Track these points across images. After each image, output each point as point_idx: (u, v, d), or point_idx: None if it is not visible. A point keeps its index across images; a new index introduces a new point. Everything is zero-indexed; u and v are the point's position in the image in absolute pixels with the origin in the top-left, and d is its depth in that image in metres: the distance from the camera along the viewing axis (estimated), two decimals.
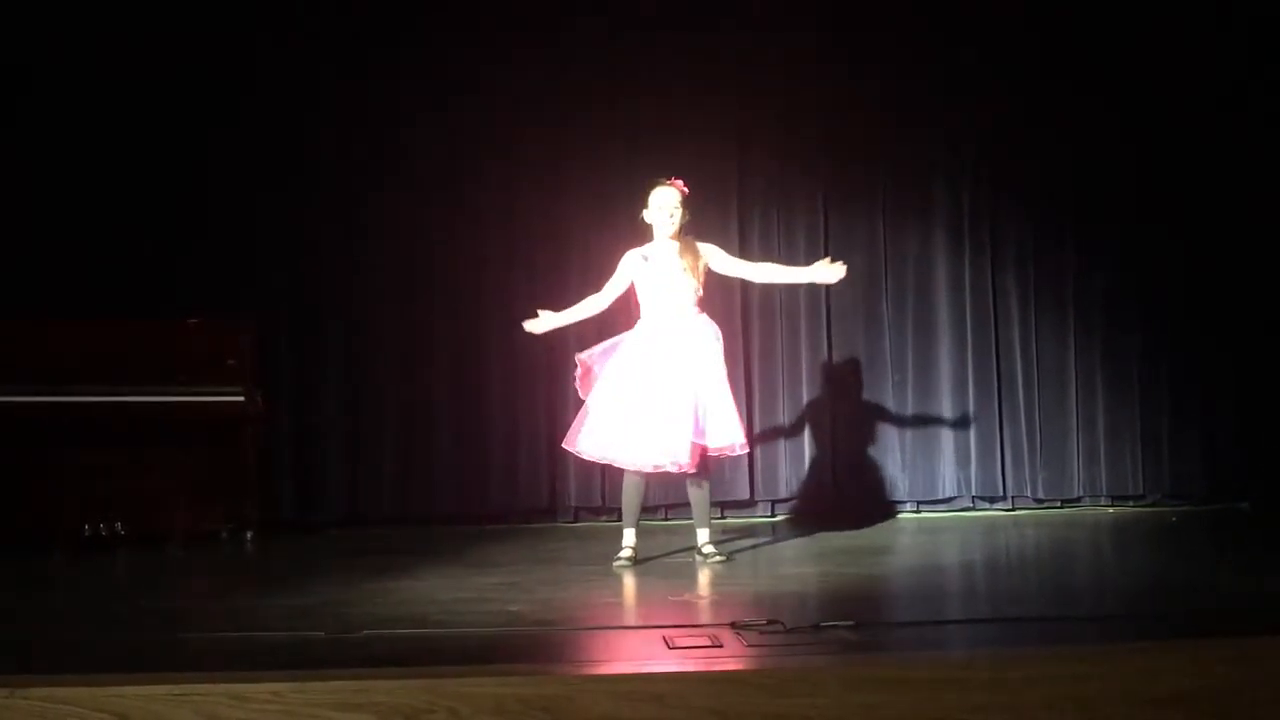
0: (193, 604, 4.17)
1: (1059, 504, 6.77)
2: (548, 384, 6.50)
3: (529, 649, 3.26)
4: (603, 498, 6.39)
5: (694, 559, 4.92)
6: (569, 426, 6.31)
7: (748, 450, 4.97)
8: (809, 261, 5.56)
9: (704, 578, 4.61)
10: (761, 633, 3.23)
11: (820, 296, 6.70)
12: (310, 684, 2.54)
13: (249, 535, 5.79)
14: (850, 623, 3.33)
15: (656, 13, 6.61)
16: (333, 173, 6.43)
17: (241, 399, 5.74)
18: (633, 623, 3.81)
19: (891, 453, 6.73)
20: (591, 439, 4.85)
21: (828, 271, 4.98)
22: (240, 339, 5.83)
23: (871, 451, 6.73)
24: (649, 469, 4.80)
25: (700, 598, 4.20)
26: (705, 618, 3.68)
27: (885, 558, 5.19)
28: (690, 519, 5.12)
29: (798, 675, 2.61)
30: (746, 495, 6.59)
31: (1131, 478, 6.78)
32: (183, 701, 2.49)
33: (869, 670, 2.64)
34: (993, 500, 6.76)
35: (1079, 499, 6.79)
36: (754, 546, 5.50)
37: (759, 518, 6.59)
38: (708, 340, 4.88)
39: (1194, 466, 6.77)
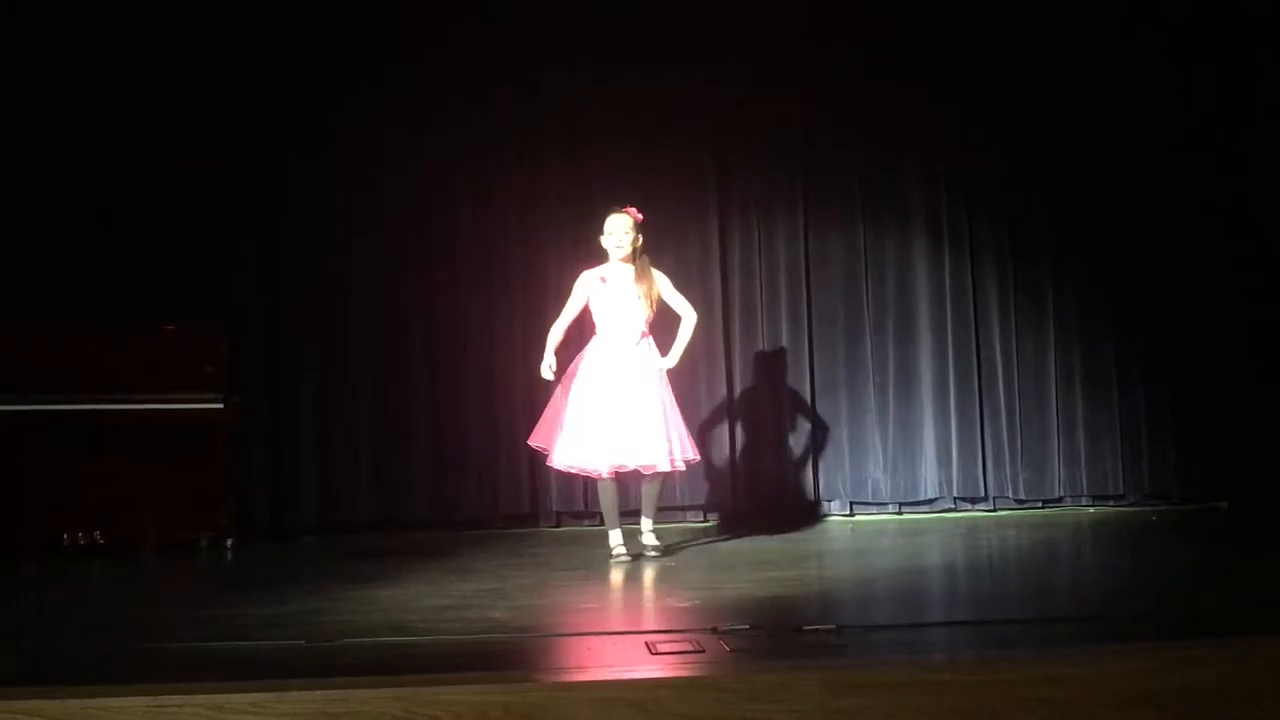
0: (171, 613, 4.13)
1: (1040, 504, 6.80)
2: (526, 388, 6.47)
3: (511, 656, 3.25)
4: (585, 502, 6.38)
5: (644, 552, 5.08)
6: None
7: (681, 469, 5.23)
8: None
9: (687, 581, 4.61)
10: (743, 637, 3.23)
11: (801, 300, 6.73)
12: (290, 694, 2.52)
13: (228, 543, 5.75)
14: (832, 626, 3.33)
15: (635, 21, 6.60)
16: (306, 180, 6.38)
17: (219, 405, 5.70)
18: (615, 628, 3.80)
19: (873, 454, 6.73)
20: (567, 450, 5.08)
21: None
22: (216, 346, 5.79)
23: (854, 453, 6.74)
24: (630, 467, 5.01)
25: (684, 602, 4.19)
26: (688, 622, 3.67)
27: (867, 560, 5.19)
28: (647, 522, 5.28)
29: (779, 680, 2.60)
30: (729, 497, 6.59)
31: (1111, 478, 6.81)
32: (160, 713, 2.46)
33: (850, 675, 2.64)
34: (974, 501, 6.78)
35: (1060, 499, 6.82)
36: (736, 550, 5.50)
37: (742, 519, 6.58)
38: (650, 366, 5.10)
39: (1173, 466, 6.82)
